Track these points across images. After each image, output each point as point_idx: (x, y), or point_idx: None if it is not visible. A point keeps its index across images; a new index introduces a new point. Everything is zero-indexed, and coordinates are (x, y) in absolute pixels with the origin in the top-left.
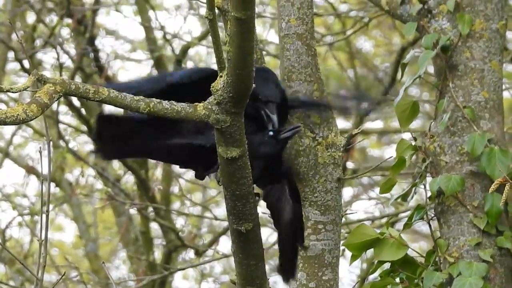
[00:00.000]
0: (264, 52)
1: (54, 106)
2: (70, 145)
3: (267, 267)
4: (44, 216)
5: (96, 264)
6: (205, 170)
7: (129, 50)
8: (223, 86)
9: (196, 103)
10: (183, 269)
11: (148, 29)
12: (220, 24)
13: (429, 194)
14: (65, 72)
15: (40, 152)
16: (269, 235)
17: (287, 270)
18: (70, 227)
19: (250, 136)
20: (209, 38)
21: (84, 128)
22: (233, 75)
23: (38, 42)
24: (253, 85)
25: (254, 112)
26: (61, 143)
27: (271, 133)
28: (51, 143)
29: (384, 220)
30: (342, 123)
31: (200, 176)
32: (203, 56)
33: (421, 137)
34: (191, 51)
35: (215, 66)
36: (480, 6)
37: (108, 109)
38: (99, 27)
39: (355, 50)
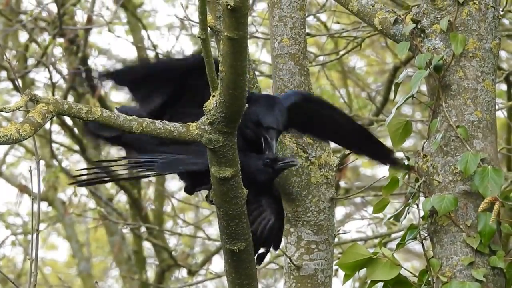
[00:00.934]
0: (257, 72)
1: (47, 125)
2: (63, 164)
3: (260, 287)
4: (35, 235)
5: (89, 283)
6: (196, 186)
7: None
8: (216, 106)
9: (189, 123)
10: None
11: (141, 49)
12: (213, 44)
13: (422, 213)
14: (57, 91)
15: (31, 171)
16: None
17: None
18: (63, 246)
19: (246, 161)
20: None
21: (76, 147)
22: (226, 95)
23: (31, 62)
24: (257, 110)
25: (253, 136)
26: (54, 162)
27: (267, 160)
28: (43, 162)
29: (377, 240)
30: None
31: (189, 191)
32: None
33: (414, 156)
34: None
35: None
36: (473, 25)
37: None
38: (91, 46)
39: (347, 69)
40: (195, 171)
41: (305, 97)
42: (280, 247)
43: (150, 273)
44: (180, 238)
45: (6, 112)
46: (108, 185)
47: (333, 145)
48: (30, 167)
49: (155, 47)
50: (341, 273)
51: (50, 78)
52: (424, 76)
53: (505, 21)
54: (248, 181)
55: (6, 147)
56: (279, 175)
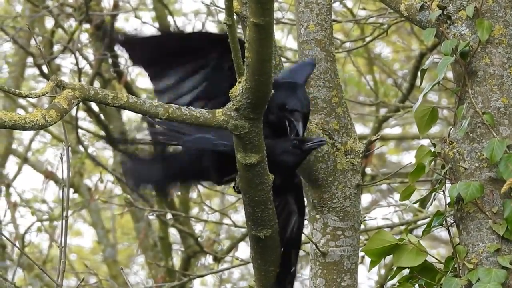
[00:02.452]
0: (282, 58)
1: (73, 111)
2: (89, 151)
3: None
4: (63, 221)
5: (114, 270)
6: (223, 175)
7: None
8: (242, 92)
9: (215, 109)
10: (202, 275)
11: None
12: (239, 30)
13: (448, 200)
14: (83, 77)
15: (61, 157)
16: None
17: (284, 280)
18: (89, 232)
19: (272, 143)
20: None
21: (103, 133)
22: (251, 81)
23: (57, 48)
24: (280, 95)
25: (278, 121)
26: (80, 148)
27: (295, 142)
28: (69, 148)
29: (403, 227)
30: (361, 129)
31: (217, 180)
32: None
33: (440, 143)
34: None
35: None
36: (499, 12)
37: None
38: (118, 32)
39: (374, 56)
40: (222, 152)
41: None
42: (306, 233)
43: (176, 260)
44: (206, 225)
45: (32, 97)
46: None
47: (359, 131)
48: (61, 154)
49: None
50: (367, 259)
51: (77, 64)
52: (450, 62)
53: None
54: (275, 165)
55: (32, 133)
56: (307, 156)
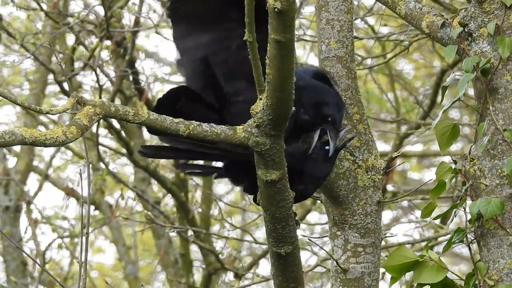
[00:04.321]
0: None
1: (94, 128)
2: (110, 168)
3: None
4: (84, 238)
5: (135, 287)
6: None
7: (169, 72)
8: (263, 108)
9: (236, 126)
10: None
11: None
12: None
13: (468, 217)
14: (104, 94)
15: (80, 174)
16: (308, 257)
17: None
18: (110, 249)
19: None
20: None
21: (123, 150)
22: (272, 98)
23: (78, 65)
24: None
25: (310, 122)
26: (101, 165)
27: (327, 147)
28: (90, 165)
29: (423, 244)
30: (382, 146)
31: (250, 191)
32: None
33: (461, 160)
34: None
35: None
36: None
37: None
38: (138, 49)
39: (395, 73)
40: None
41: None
42: (327, 249)
43: (197, 277)
44: (227, 242)
45: (53, 114)
46: (156, 188)
47: (380, 148)
48: (80, 170)
49: None
50: (388, 276)
51: (97, 81)
52: (471, 79)
53: None
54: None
55: (52, 150)
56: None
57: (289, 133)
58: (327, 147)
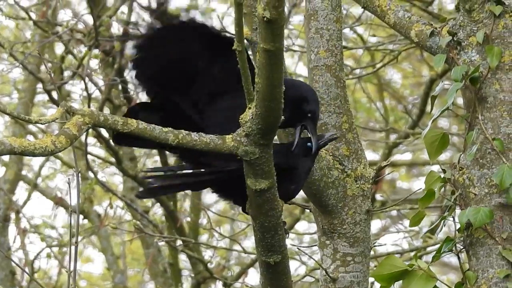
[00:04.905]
0: None
1: (83, 137)
2: (99, 177)
3: None
4: (73, 247)
5: None
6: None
7: None
8: (252, 117)
9: (225, 135)
10: None
11: None
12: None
13: (458, 226)
14: (93, 103)
15: (69, 183)
16: (297, 267)
17: None
18: (99, 258)
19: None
20: None
21: (112, 159)
22: (261, 107)
23: (67, 73)
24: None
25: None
26: (90, 174)
27: (308, 144)
28: (79, 174)
29: (413, 253)
30: (371, 155)
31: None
32: None
33: (450, 169)
34: None
35: None
36: (509, 38)
37: None
38: (127, 58)
39: (384, 82)
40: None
41: None
42: (316, 259)
43: (186, 286)
44: (215, 251)
45: (42, 123)
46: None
47: (369, 157)
48: (69, 179)
49: None
50: (377, 285)
51: (86, 90)
52: (459, 88)
53: None
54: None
55: (41, 159)
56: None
57: None
58: (308, 144)
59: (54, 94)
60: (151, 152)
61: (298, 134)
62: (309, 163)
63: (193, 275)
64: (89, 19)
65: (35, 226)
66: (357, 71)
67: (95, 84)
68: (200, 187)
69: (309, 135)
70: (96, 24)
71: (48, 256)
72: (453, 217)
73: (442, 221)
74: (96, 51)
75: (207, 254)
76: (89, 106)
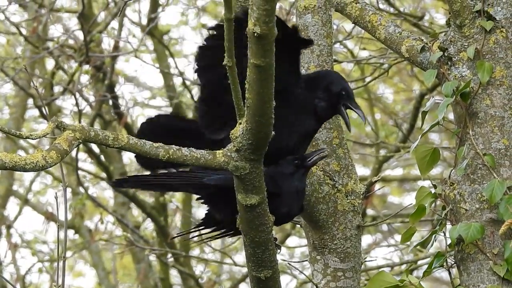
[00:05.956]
0: None
1: (73, 153)
2: (89, 192)
3: None
4: (61, 262)
5: None
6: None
7: (148, 97)
8: (242, 133)
9: (215, 151)
10: None
11: (167, 76)
12: None
13: (449, 241)
14: (84, 119)
15: (56, 198)
16: (288, 282)
17: None
18: (90, 273)
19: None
20: None
21: (103, 175)
22: (252, 122)
23: (57, 89)
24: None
25: (330, 106)
26: (80, 189)
27: (296, 162)
28: (70, 189)
29: (403, 267)
30: (361, 170)
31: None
32: None
33: (441, 184)
34: None
35: None
36: (500, 53)
37: None
38: (118, 73)
39: (374, 96)
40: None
41: None
42: (307, 274)
43: None
44: (206, 265)
45: (32, 139)
46: (135, 212)
47: (360, 172)
48: (56, 193)
49: (182, 74)
50: None
51: (77, 105)
52: (450, 103)
53: None
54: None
55: (32, 174)
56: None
57: (266, 157)
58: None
59: (45, 110)
60: (142, 169)
61: (345, 115)
62: (298, 184)
63: None
64: (80, 35)
65: (27, 241)
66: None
67: (86, 100)
68: (174, 187)
69: (354, 111)
70: (87, 39)
71: (40, 270)
72: (444, 232)
73: (433, 236)
74: (86, 67)
75: (198, 269)
76: (79, 122)
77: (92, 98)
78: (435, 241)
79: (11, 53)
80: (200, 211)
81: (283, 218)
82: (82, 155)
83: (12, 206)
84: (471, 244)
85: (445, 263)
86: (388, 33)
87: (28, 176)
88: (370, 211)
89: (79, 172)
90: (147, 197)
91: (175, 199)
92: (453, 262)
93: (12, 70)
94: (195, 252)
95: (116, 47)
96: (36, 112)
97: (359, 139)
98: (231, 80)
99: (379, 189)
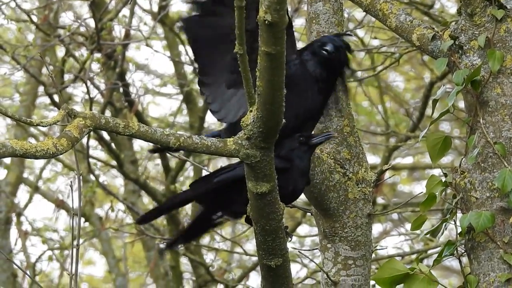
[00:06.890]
0: None
1: (84, 140)
2: (100, 180)
3: None
4: (74, 250)
5: None
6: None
7: (159, 84)
8: (253, 121)
9: (226, 139)
10: None
11: (178, 64)
12: None
13: (459, 230)
14: (95, 106)
15: (71, 186)
16: (298, 270)
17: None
18: (100, 261)
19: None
20: None
21: (114, 162)
22: (263, 110)
23: (68, 77)
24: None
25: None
26: (91, 177)
27: (301, 138)
28: (81, 177)
29: (414, 256)
30: (371, 159)
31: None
32: None
33: (452, 173)
34: None
35: None
36: (511, 42)
37: None
38: (129, 61)
39: (385, 85)
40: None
41: None
42: (318, 262)
43: None
44: (217, 254)
45: (43, 126)
46: (146, 200)
47: (370, 161)
48: (71, 182)
49: (192, 62)
50: None
51: (88, 93)
52: (460, 90)
53: None
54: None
55: (42, 162)
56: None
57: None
58: (300, 137)
59: (56, 97)
60: (152, 156)
61: (344, 76)
62: (298, 162)
63: (194, 278)
64: (91, 23)
65: (37, 229)
66: (358, 74)
67: (97, 88)
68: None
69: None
70: (98, 27)
71: (50, 258)
72: (454, 220)
73: (443, 225)
74: (97, 55)
75: (208, 257)
76: (90, 109)
77: (103, 86)
78: (446, 229)
79: (22, 40)
80: None
81: (289, 197)
82: (93, 143)
83: (22, 194)
84: (481, 233)
85: (455, 252)
86: (399, 22)
87: (38, 163)
88: (380, 200)
89: (90, 159)
90: (158, 185)
91: (185, 186)
92: (463, 251)
93: (23, 58)
94: (206, 240)
95: (127, 35)
96: (47, 99)
97: (369, 128)
98: (242, 68)
99: (389, 177)
